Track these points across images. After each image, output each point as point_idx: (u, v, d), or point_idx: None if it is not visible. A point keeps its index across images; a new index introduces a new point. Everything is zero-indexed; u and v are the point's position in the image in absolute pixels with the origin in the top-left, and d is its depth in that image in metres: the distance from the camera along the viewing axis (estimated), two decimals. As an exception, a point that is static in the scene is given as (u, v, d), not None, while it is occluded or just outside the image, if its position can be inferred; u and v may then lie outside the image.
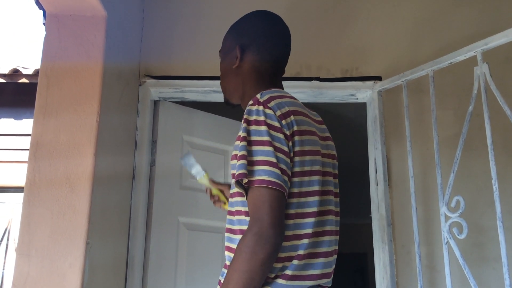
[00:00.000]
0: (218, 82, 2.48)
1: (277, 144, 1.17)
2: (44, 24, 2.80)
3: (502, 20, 2.45)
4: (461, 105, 2.36)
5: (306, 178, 1.23)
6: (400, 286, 2.22)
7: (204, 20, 2.61)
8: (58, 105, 1.87)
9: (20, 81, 4.80)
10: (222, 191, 1.77)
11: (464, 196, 1.89)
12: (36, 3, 2.92)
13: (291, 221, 1.19)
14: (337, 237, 1.35)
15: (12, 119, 5.00)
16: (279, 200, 1.13)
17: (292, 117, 1.23)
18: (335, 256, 1.33)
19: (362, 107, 2.63)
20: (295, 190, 1.20)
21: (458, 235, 1.87)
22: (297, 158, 1.21)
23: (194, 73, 2.52)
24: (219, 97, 2.59)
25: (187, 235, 2.56)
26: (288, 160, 1.18)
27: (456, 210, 1.89)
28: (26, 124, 4.94)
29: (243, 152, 1.16)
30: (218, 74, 2.44)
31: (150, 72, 2.52)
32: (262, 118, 1.19)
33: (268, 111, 1.20)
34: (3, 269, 4.90)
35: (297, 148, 1.22)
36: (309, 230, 1.21)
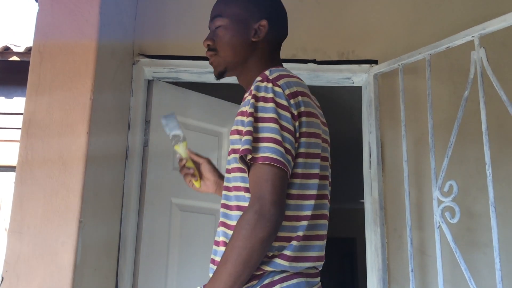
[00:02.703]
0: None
1: (284, 123, 1.16)
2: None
3: (500, 5, 2.43)
4: (457, 90, 2.36)
5: (309, 160, 1.22)
6: (391, 269, 2.24)
7: (200, -1, 2.57)
8: (51, 82, 1.84)
9: (10, 59, 4.73)
10: (198, 165, 1.59)
11: (457, 181, 1.90)
12: (27, -22, 2.86)
13: (292, 202, 1.19)
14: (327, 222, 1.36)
15: (3, 98, 4.95)
16: (281, 179, 1.13)
17: (299, 98, 1.22)
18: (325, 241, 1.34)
19: (357, 90, 2.62)
20: (299, 171, 1.20)
21: (450, 219, 1.88)
22: (303, 139, 1.21)
23: (189, 53, 2.49)
24: (214, 78, 2.56)
25: (180, 216, 2.55)
26: (293, 140, 1.17)
27: (449, 194, 1.90)
28: (17, 103, 4.88)
29: (249, 128, 1.15)
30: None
31: (144, 51, 2.49)
32: (270, 95, 1.18)
33: (277, 88, 1.19)
34: (-7, 248, 4.88)
35: (303, 129, 1.21)
36: (309, 212, 1.21)
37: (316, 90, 2.77)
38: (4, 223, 4.89)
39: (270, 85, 1.19)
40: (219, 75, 1.41)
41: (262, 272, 1.14)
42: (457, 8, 2.51)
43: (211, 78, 2.57)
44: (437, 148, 2.08)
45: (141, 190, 2.43)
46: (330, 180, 1.34)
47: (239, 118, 1.23)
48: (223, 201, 1.27)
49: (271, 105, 1.16)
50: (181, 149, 1.54)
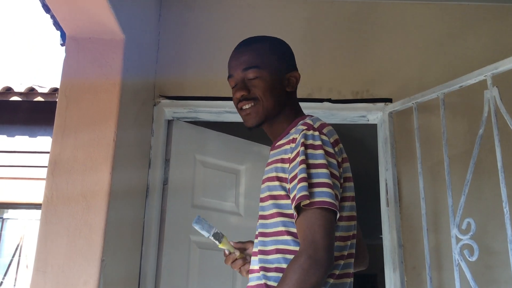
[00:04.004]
0: (231, 102, 2.54)
1: (332, 170, 1.21)
2: (61, 44, 2.88)
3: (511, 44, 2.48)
4: (472, 128, 2.38)
5: (351, 203, 1.30)
6: (411, 308, 2.22)
7: (218, 42, 2.67)
8: (77, 124, 1.92)
9: (35, 99, 4.90)
10: (243, 251, 1.52)
11: (475, 218, 1.90)
12: (54, 24, 3.01)
13: (339, 243, 1.24)
14: None
15: (27, 137, 5.09)
16: (332, 224, 1.17)
17: (340, 145, 1.29)
18: None
19: (373, 128, 2.65)
20: (345, 214, 1.26)
21: (469, 257, 1.87)
22: (347, 184, 1.28)
23: (208, 94, 2.57)
24: (232, 117, 2.63)
25: (198, 254, 2.58)
26: (339, 186, 1.23)
27: (467, 232, 1.90)
28: (40, 142, 5.02)
29: (303, 175, 1.18)
30: (231, 94, 2.51)
31: (164, 93, 2.58)
32: (318, 142, 1.23)
33: (324, 137, 1.25)
34: (14, 285, 4.92)
35: (346, 174, 1.28)
36: (345, 252, 1.26)
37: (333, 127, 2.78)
38: (26, 260, 4.95)
39: (316, 133, 1.25)
40: (256, 126, 1.39)
41: None
42: (470, 47, 2.56)
43: (229, 117, 2.64)
44: (454, 185, 2.09)
45: (160, 227, 2.46)
46: None
47: (279, 165, 1.28)
48: (260, 248, 1.29)
49: (320, 151, 1.22)
50: (226, 245, 1.50)
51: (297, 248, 1.19)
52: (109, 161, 1.89)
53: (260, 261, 1.27)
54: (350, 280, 1.27)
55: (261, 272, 1.25)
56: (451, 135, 2.33)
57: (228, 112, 2.58)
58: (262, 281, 1.24)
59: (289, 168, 1.24)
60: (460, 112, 2.45)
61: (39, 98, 4.89)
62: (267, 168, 1.34)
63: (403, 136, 2.46)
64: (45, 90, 4.88)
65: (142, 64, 2.38)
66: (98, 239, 1.79)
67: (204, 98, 2.57)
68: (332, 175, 1.20)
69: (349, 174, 1.31)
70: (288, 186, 1.24)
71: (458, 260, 1.92)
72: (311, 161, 1.20)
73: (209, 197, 2.70)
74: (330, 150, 1.24)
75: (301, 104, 2.44)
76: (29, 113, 5.08)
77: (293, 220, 1.22)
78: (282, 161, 1.28)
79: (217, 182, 2.75)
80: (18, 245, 4.99)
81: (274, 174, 1.29)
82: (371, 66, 2.60)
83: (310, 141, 1.23)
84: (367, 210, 4.91)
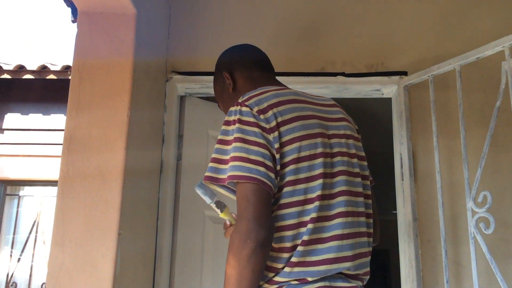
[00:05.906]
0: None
1: (251, 138, 1.21)
2: (72, 21, 2.86)
3: (530, 14, 2.42)
4: (488, 100, 2.34)
5: (305, 164, 1.22)
6: (425, 281, 2.23)
7: (230, 16, 2.64)
8: (90, 100, 1.92)
9: (48, 77, 4.91)
10: None
11: (492, 191, 1.89)
12: (64, 0, 2.98)
13: (293, 209, 1.20)
14: (364, 219, 1.31)
15: (41, 115, 5.12)
16: (256, 193, 1.16)
17: (273, 110, 1.25)
18: (363, 239, 1.28)
19: (387, 102, 2.62)
20: (291, 178, 1.21)
21: (485, 230, 1.86)
22: (288, 147, 1.22)
23: (220, 69, 2.55)
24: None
25: (213, 228, 2.60)
26: (266, 152, 1.20)
27: (483, 205, 1.88)
28: (54, 119, 5.05)
29: (214, 155, 1.25)
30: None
31: (176, 68, 2.57)
32: (235, 117, 1.24)
33: (244, 108, 1.25)
34: (32, 261, 5.02)
35: (287, 138, 1.22)
36: (314, 215, 1.20)
37: (346, 102, 2.77)
38: (42, 236, 5.04)
39: (238, 107, 1.26)
40: None
41: (277, 286, 1.18)
42: (487, 18, 2.50)
43: (241, 93, 2.62)
44: (470, 159, 2.07)
45: (175, 203, 2.48)
46: (356, 173, 1.32)
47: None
48: None
49: (235, 126, 1.23)
50: (228, 215, 1.46)
51: None
52: (123, 137, 1.90)
53: None
54: (336, 243, 1.20)
55: None
56: (468, 107, 2.30)
57: (241, 87, 2.57)
58: None
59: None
60: (477, 84, 2.41)
61: (52, 76, 4.89)
62: None
63: (419, 109, 2.43)
64: (58, 68, 4.89)
65: (154, 39, 2.37)
66: (115, 213, 1.81)
67: (216, 73, 2.55)
68: (250, 143, 1.19)
69: (304, 132, 1.24)
70: None
71: (473, 233, 1.92)
72: (224, 138, 1.25)
73: (222, 173, 2.70)
74: (249, 119, 1.23)
75: (314, 78, 2.47)
76: (43, 91, 5.10)
77: None
78: None
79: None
80: (34, 222, 5.08)
81: None
82: (385, 39, 2.55)
83: (229, 117, 1.27)
84: (380, 185, 4.91)
